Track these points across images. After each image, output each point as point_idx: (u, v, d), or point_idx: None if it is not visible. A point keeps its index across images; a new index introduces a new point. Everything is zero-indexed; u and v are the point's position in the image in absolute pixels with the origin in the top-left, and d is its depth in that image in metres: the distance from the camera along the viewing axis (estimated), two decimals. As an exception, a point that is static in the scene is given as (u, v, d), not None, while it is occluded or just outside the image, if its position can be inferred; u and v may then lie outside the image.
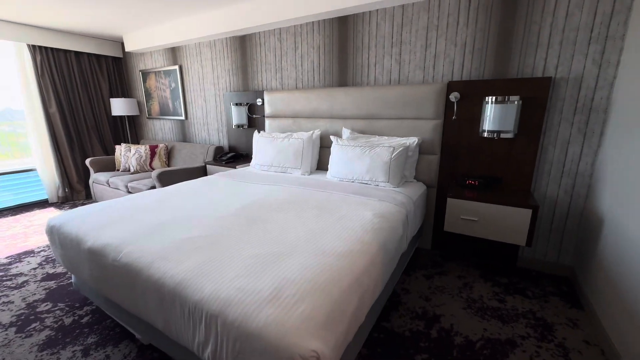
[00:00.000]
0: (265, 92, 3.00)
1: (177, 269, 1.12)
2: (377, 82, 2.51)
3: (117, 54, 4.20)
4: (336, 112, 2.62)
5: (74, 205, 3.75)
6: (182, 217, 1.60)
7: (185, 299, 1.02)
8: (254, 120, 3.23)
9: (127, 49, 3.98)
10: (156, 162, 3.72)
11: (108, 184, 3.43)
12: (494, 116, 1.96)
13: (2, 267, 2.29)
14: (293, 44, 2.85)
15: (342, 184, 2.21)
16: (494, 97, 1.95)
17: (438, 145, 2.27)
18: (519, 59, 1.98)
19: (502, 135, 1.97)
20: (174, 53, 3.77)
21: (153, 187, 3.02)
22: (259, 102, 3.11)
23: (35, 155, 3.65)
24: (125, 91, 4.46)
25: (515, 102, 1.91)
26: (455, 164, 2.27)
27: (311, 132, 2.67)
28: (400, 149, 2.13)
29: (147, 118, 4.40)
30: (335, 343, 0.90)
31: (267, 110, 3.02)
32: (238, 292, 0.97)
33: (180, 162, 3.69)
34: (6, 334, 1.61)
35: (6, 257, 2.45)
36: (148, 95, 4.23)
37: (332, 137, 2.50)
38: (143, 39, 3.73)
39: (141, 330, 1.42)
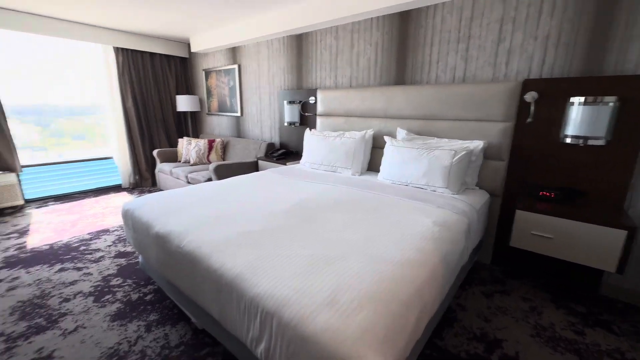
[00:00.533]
0: (318, 90, 3.00)
1: (234, 262, 1.14)
2: (439, 80, 2.35)
3: (184, 54, 4.56)
4: (391, 111, 2.51)
5: (142, 192, 4.15)
6: (238, 210, 1.65)
7: (242, 293, 1.04)
8: (306, 118, 3.25)
9: (192, 50, 4.29)
10: (213, 156, 3.95)
11: (171, 173, 3.73)
12: (581, 119, 1.70)
13: (84, 242, 2.62)
14: (349, 42, 2.80)
15: (396, 187, 2.11)
16: (582, 98, 1.69)
17: (506, 150, 2.05)
18: (618, 53, 1.69)
19: (590, 142, 1.71)
20: (233, 53, 3.97)
21: (209, 179, 3.21)
22: (311, 100, 3.12)
23: (112, 145, 4.13)
24: (189, 89, 4.83)
25: (610, 104, 1.63)
26: (526, 172, 2.03)
27: (364, 131, 2.59)
28: (462, 153, 1.96)
29: (207, 114, 4.70)
30: (394, 359, 0.83)
31: (320, 108, 3.01)
32: (294, 292, 0.95)
33: (235, 156, 3.88)
34: (86, 302, 1.83)
35: (88, 234, 2.79)
36: (209, 92, 4.52)
37: (386, 138, 2.40)
38: (207, 40, 3.98)
39: (197, 315, 1.50)
